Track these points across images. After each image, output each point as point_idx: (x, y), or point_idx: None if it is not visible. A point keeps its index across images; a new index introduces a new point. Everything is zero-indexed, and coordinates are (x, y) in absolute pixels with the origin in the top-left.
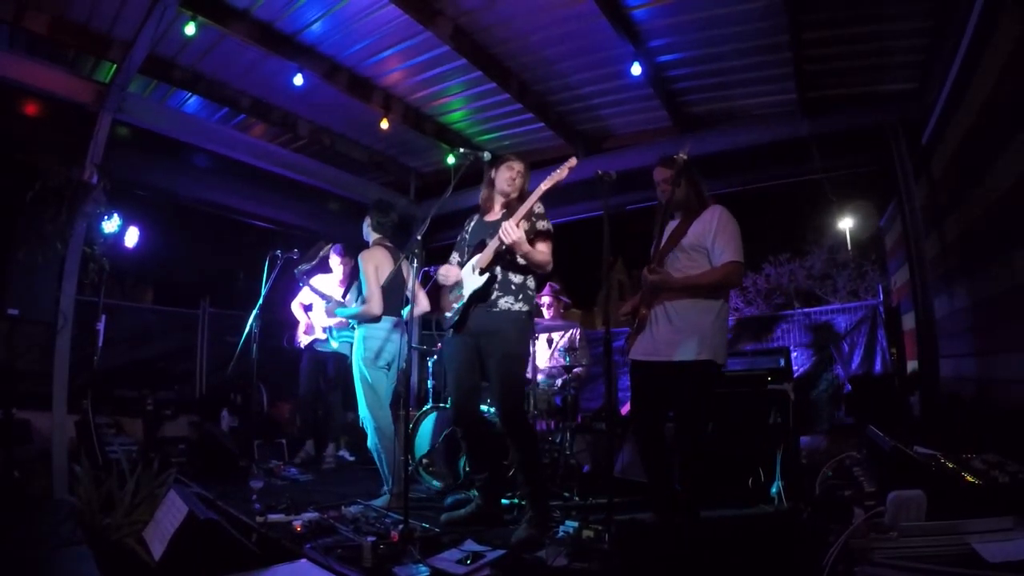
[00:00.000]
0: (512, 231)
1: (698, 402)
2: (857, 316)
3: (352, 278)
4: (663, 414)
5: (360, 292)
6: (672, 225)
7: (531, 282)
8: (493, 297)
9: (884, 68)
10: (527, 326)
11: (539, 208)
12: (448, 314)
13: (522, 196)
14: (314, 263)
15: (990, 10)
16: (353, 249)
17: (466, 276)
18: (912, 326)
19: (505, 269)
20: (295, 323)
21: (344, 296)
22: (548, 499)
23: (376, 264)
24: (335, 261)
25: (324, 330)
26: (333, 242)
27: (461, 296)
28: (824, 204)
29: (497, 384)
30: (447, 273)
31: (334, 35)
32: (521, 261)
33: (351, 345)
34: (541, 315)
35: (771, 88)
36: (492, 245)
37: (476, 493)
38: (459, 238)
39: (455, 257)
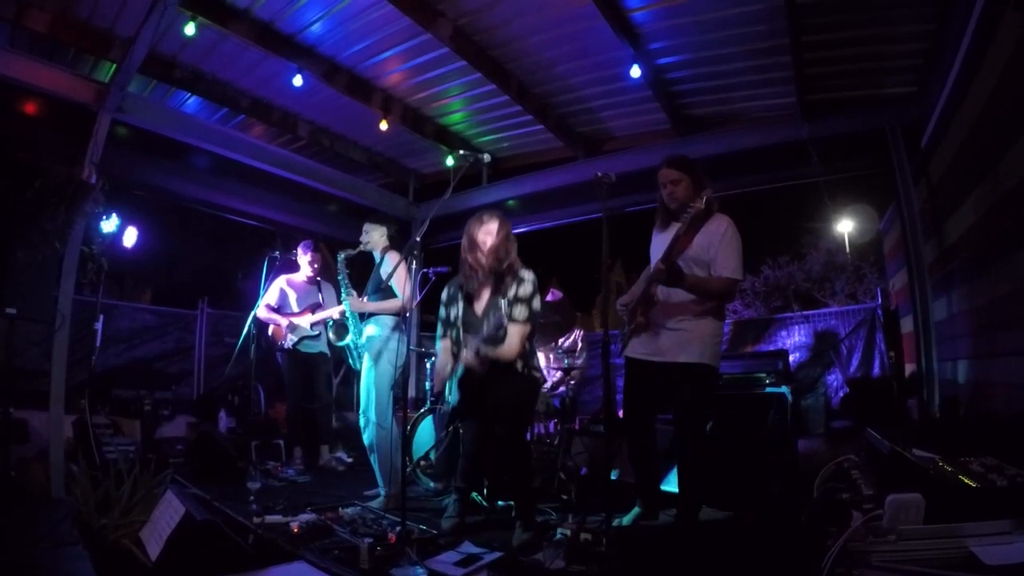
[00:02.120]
0: (475, 365)
1: (699, 403)
2: (856, 319)
3: (319, 275)
4: (655, 413)
5: (377, 286)
6: (674, 229)
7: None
8: (514, 365)
9: (884, 71)
10: (539, 388)
11: (524, 290)
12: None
13: (510, 266)
14: (355, 252)
15: (990, 13)
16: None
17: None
18: (910, 329)
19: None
20: (267, 325)
21: (321, 297)
22: (536, 502)
23: (406, 270)
24: (304, 259)
25: (313, 326)
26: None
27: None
28: (823, 206)
29: (505, 413)
30: (441, 370)
31: (334, 36)
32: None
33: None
34: None
35: (771, 91)
36: (460, 368)
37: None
38: (445, 307)
39: (448, 335)
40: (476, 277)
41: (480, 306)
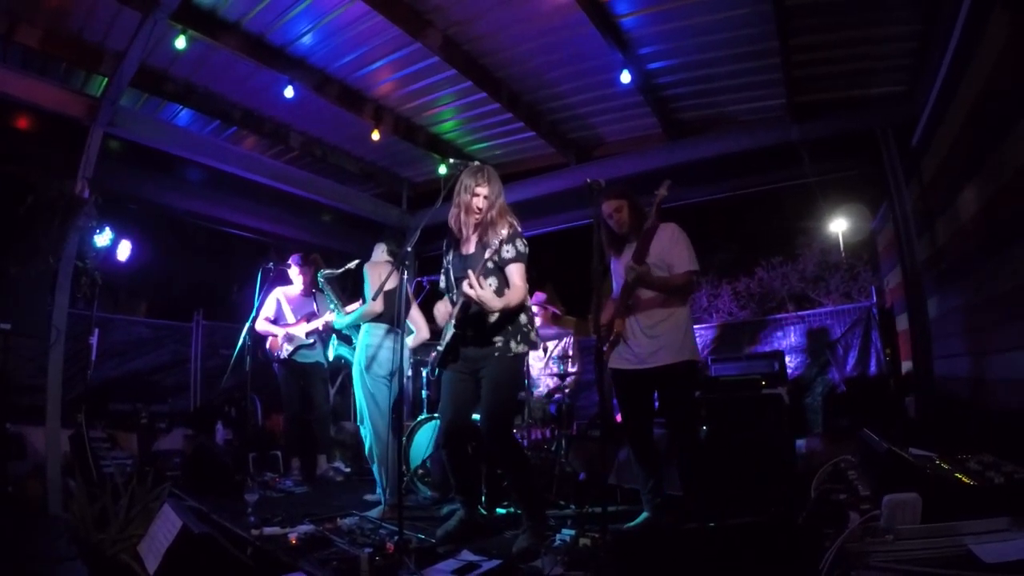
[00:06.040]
0: (476, 291)
1: (688, 399)
2: (851, 318)
3: (313, 286)
4: (651, 418)
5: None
6: (629, 250)
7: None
8: (500, 338)
9: (873, 72)
10: (524, 363)
11: (507, 229)
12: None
13: (492, 221)
14: (338, 272)
15: (978, 12)
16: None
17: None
18: (906, 327)
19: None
20: (264, 337)
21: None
22: (544, 509)
23: (380, 273)
24: (294, 272)
25: (308, 335)
26: (360, 258)
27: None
28: (815, 206)
29: (487, 410)
30: (439, 312)
31: (324, 47)
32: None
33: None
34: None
35: (761, 93)
36: (459, 304)
37: (459, 506)
38: (443, 267)
39: (442, 284)
40: (463, 231)
41: (468, 248)
